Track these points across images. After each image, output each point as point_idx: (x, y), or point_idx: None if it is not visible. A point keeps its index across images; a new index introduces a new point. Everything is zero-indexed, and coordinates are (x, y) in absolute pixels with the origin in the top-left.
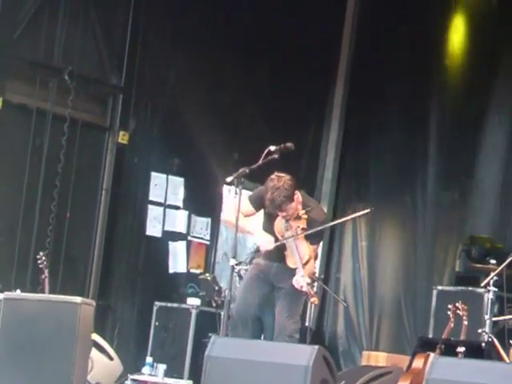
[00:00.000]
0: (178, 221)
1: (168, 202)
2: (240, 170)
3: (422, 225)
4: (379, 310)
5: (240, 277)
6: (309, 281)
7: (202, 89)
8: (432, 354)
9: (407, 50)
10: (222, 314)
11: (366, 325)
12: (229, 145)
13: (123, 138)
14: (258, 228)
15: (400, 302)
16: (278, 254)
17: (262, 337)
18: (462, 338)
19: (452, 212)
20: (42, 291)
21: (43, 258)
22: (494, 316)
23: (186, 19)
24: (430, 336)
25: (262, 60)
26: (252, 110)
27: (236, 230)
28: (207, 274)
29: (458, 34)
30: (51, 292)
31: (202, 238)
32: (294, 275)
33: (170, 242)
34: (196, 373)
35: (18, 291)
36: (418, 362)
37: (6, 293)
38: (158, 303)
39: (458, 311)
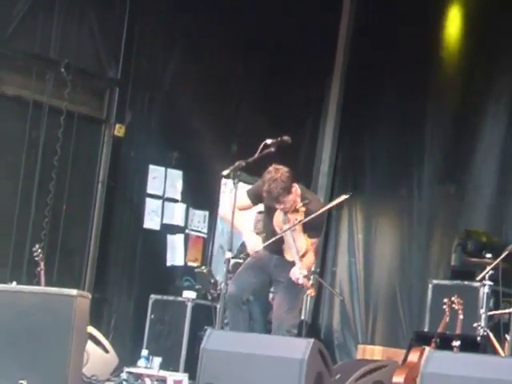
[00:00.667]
0: (176, 214)
1: (166, 195)
2: (236, 163)
3: (418, 218)
4: (375, 304)
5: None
6: (305, 273)
7: (199, 82)
8: (427, 348)
9: (403, 45)
10: (218, 306)
11: (362, 318)
12: (227, 138)
13: (119, 130)
14: (248, 229)
15: (396, 296)
16: (277, 247)
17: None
18: (458, 331)
19: (448, 206)
20: (38, 283)
21: (39, 250)
22: (490, 310)
23: (183, 12)
24: (426, 330)
25: (261, 54)
26: (250, 104)
27: (232, 224)
28: (203, 267)
29: (455, 29)
30: (47, 284)
31: (199, 231)
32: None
33: (168, 235)
34: (192, 366)
35: (14, 283)
36: (413, 356)
37: (2, 285)
38: (153, 296)
39: (454, 305)
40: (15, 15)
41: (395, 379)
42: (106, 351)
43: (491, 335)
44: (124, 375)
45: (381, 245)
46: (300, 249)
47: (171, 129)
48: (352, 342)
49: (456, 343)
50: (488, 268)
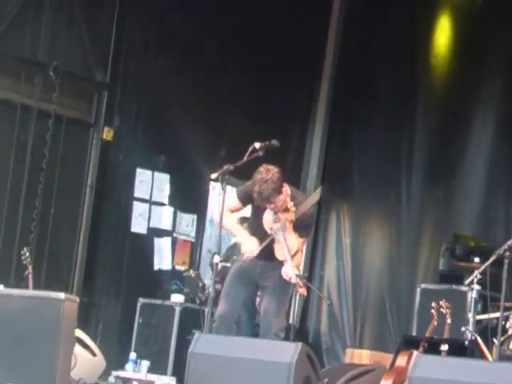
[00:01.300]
0: (164, 217)
1: (153, 199)
2: (225, 167)
3: (406, 223)
4: (363, 308)
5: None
6: (297, 272)
7: (187, 85)
8: (415, 352)
9: (393, 48)
10: (206, 310)
11: (350, 322)
12: (215, 141)
13: (108, 134)
14: (244, 233)
15: (384, 300)
16: (265, 250)
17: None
18: (446, 336)
19: (436, 210)
20: (26, 287)
21: (27, 253)
22: (478, 314)
23: (172, 17)
24: (414, 334)
25: (248, 58)
26: (238, 107)
27: (220, 226)
28: (191, 271)
29: (443, 32)
30: (35, 288)
31: (187, 235)
32: (279, 273)
33: (155, 239)
34: (179, 369)
35: (2, 287)
36: (401, 360)
37: None
38: (141, 300)
39: (442, 309)
40: (4, 19)
41: (383, 383)
42: (94, 355)
43: (479, 339)
44: (112, 379)
45: (369, 249)
46: (291, 248)
47: (159, 132)
48: (340, 346)
49: (444, 347)
50: (476, 272)
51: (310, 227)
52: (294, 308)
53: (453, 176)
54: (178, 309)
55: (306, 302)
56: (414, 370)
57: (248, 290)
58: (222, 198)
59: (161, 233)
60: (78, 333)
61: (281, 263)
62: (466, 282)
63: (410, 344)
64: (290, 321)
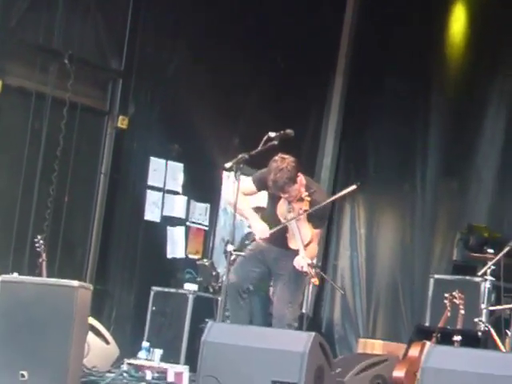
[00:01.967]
0: (177, 206)
1: (167, 187)
2: (239, 156)
3: (420, 213)
4: (376, 298)
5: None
6: (309, 261)
7: (202, 74)
8: (428, 343)
9: (407, 40)
10: (219, 299)
11: (363, 312)
12: (229, 130)
13: (122, 122)
14: (255, 215)
15: (397, 290)
16: (280, 238)
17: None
18: (459, 326)
19: (450, 201)
20: (40, 275)
21: (41, 241)
22: (491, 305)
23: (187, 4)
24: (427, 324)
25: (264, 46)
26: (253, 96)
27: (234, 212)
28: (205, 260)
29: (458, 23)
30: (48, 275)
31: (200, 224)
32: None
33: (168, 227)
34: (192, 358)
35: (16, 274)
36: (413, 351)
37: (4, 276)
38: (155, 288)
39: (455, 300)
40: (19, 7)
41: (395, 373)
42: (107, 343)
43: (492, 330)
44: (124, 367)
45: (383, 239)
46: (304, 238)
47: (173, 121)
48: (353, 336)
49: (457, 338)
50: (489, 263)
51: (324, 218)
52: (308, 297)
53: (467, 166)
54: (191, 297)
55: (320, 292)
56: (426, 361)
57: (258, 269)
58: (236, 188)
59: (174, 221)
60: (92, 321)
61: (295, 253)
62: (480, 272)
63: (422, 334)
64: (303, 310)
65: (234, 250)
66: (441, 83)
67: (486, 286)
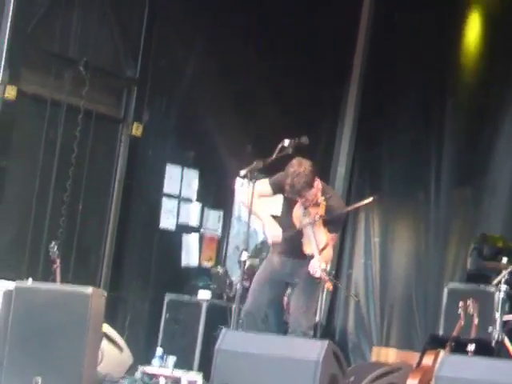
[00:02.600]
0: (192, 214)
1: (182, 195)
2: (254, 164)
3: (434, 222)
4: (390, 306)
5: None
6: (324, 266)
7: (216, 81)
8: (442, 352)
9: (422, 46)
10: (233, 307)
11: (377, 321)
12: (243, 137)
13: (137, 130)
14: (270, 218)
15: (411, 299)
16: (293, 247)
17: None
18: (472, 335)
19: (465, 210)
20: (54, 281)
21: (55, 247)
22: (505, 314)
23: (203, 11)
24: (441, 333)
25: (278, 54)
26: (267, 103)
27: (249, 215)
28: (219, 267)
29: (473, 28)
30: (63, 282)
31: (214, 231)
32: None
33: (183, 235)
34: (206, 365)
35: (30, 280)
36: (427, 359)
37: (18, 282)
38: (168, 295)
39: (469, 309)
40: (35, 13)
41: (409, 382)
42: (121, 350)
43: (506, 340)
44: (138, 374)
45: (397, 248)
46: (320, 242)
47: (188, 128)
48: (366, 345)
49: (471, 347)
50: (504, 272)
51: (339, 223)
52: (321, 305)
53: (481, 175)
54: (204, 305)
55: (333, 300)
56: (440, 370)
57: (275, 290)
58: (251, 195)
59: (189, 229)
60: (106, 327)
61: (310, 259)
62: (494, 281)
63: (436, 343)
64: (317, 318)
65: (249, 257)
66: (456, 92)
67: (500, 295)
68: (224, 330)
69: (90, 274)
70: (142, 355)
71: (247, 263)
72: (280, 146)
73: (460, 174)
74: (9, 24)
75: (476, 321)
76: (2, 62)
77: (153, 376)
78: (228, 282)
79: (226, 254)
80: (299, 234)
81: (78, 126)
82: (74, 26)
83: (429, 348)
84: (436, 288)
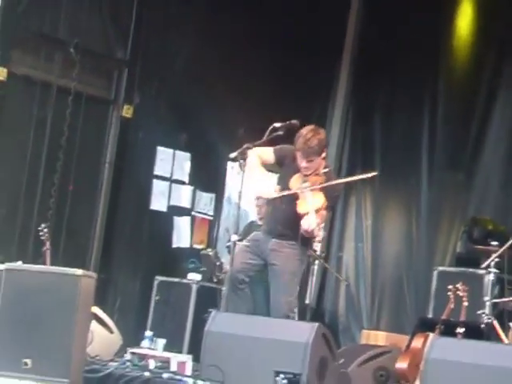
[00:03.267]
0: (184, 196)
1: (174, 177)
2: (244, 146)
3: (425, 205)
4: (380, 290)
5: None
6: (318, 221)
7: (208, 64)
8: (431, 335)
9: (414, 31)
10: (223, 289)
11: (367, 304)
12: (235, 120)
13: (127, 111)
14: (264, 175)
15: (402, 282)
16: (276, 223)
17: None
18: (462, 318)
19: (456, 193)
20: (44, 263)
21: (45, 230)
22: (494, 298)
23: None
24: (430, 316)
25: (270, 37)
26: (259, 86)
27: (239, 198)
28: (209, 250)
29: (465, 17)
30: (52, 264)
31: (205, 214)
32: (289, 252)
33: (174, 217)
34: (195, 347)
35: (20, 263)
36: (417, 342)
37: (8, 264)
38: (158, 277)
39: (459, 292)
40: None
41: (399, 365)
42: (111, 332)
43: (495, 323)
44: (128, 356)
45: (389, 231)
46: (316, 203)
47: (180, 111)
48: (357, 327)
49: (460, 330)
50: (493, 256)
51: (337, 196)
52: (311, 288)
53: (473, 159)
54: (194, 287)
55: (323, 283)
56: (430, 352)
57: (255, 260)
58: (241, 178)
59: (180, 211)
60: (95, 309)
61: (291, 245)
62: (483, 265)
63: (426, 326)
64: (307, 301)
65: (239, 241)
66: (448, 77)
67: (489, 278)
68: (213, 312)
69: (80, 256)
70: (132, 337)
71: (236, 245)
72: (271, 128)
73: (451, 157)
74: None
75: (465, 304)
76: None
77: (142, 357)
78: (218, 264)
79: (217, 236)
80: (289, 205)
81: (69, 107)
82: (64, 8)
83: (418, 331)
84: (427, 271)
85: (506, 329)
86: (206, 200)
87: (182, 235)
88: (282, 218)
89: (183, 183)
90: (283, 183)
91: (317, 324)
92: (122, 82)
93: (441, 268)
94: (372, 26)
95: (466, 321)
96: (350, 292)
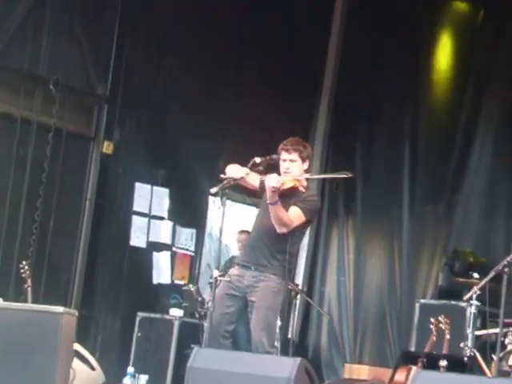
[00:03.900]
0: (163, 231)
1: (153, 213)
2: (225, 181)
3: (407, 238)
4: (363, 323)
5: None
6: (282, 181)
7: (187, 99)
8: (414, 368)
9: (395, 67)
10: (205, 325)
11: (350, 338)
12: (214, 155)
13: (108, 148)
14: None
15: (384, 315)
16: (254, 254)
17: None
18: (445, 351)
19: (437, 226)
20: (25, 300)
21: (26, 267)
22: (477, 330)
23: (172, 30)
24: (413, 349)
25: (249, 70)
26: (238, 121)
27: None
28: (190, 285)
29: (444, 49)
30: (34, 301)
31: (186, 249)
32: (264, 286)
33: (154, 253)
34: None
35: (1, 300)
36: (399, 375)
37: None
38: (140, 314)
39: (441, 325)
40: (4, 32)
41: None
42: (93, 369)
43: (478, 355)
44: None
45: (371, 264)
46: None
47: (158, 146)
48: (340, 361)
49: (443, 363)
50: (475, 288)
51: (309, 206)
52: (294, 323)
53: (454, 192)
54: (176, 323)
55: (306, 317)
56: None
57: (234, 305)
58: (222, 213)
59: (160, 247)
60: (77, 347)
61: (266, 276)
62: (465, 297)
63: (408, 359)
64: (290, 335)
65: (220, 276)
66: (428, 110)
67: (471, 310)
68: (196, 348)
69: (61, 293)
70: (114, 374)
71: (218, 281)
72: (251, 163)
73: (433, 190)
74: None
75: (448, 336)
76: None
77: None
78: (200, 299)
79: (198, 271)
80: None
81: (49, 144)
82: (44, 45)
83: (401, 364)
84: (409, 304)
85: (488, 361)
86: (186, 235)
87: (162, 271)
88: (258, 247)
89: (162, 219)
90: (260, 216)
91: (299, 359)
92: (102, 118)
93: (423, 301)
94: (351, 62)
95: (449, 354)
96: (333, 326)
